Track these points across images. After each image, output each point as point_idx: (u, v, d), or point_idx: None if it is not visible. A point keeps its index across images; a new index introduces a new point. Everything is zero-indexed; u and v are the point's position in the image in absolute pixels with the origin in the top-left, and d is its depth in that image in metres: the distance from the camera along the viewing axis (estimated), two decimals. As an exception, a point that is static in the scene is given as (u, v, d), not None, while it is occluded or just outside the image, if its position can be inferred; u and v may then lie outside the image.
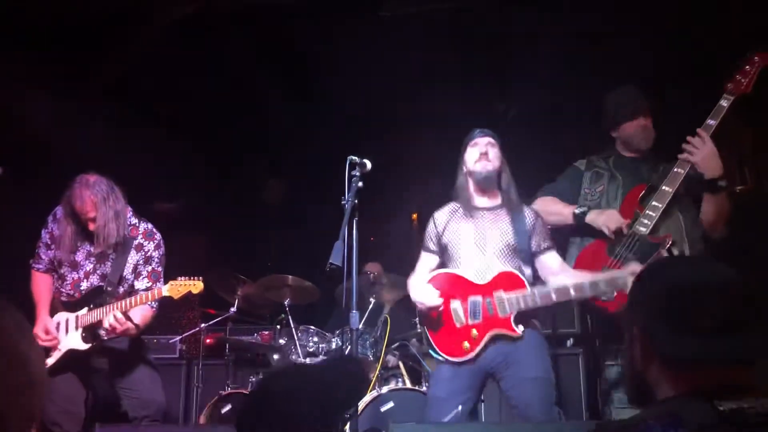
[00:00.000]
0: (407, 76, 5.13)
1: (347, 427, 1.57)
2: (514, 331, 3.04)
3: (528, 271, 3.21)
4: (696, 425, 1.19)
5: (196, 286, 3.52)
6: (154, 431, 2.95)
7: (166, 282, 3.62)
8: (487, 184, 3.27)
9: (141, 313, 3.54)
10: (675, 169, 3.24)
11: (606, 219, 3.31)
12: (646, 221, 3.23)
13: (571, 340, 4.79)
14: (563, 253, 3.43)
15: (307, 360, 4.45)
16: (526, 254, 3.20)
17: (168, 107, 5.46)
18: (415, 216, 6.19)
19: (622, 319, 1.46)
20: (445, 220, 3.33)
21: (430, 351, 3.21)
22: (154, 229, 3.73)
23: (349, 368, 1.78)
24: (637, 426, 1.23)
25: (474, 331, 3.08)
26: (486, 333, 3.06)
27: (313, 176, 4.97)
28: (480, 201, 3.31)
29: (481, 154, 3.27)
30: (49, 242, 3.68)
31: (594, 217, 3.37)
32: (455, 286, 3.17)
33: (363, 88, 5.20)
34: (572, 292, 3.02)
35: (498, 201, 3.31)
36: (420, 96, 5.20)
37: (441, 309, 3.13)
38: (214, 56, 5.02)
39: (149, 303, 3.54)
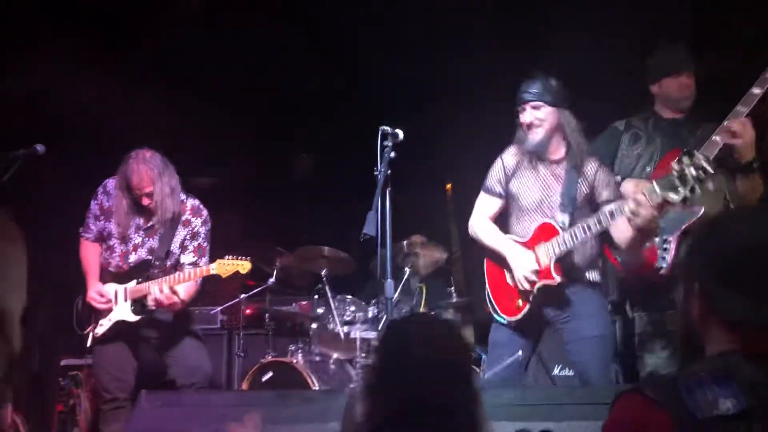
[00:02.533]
0: (440, 43, 5.09)
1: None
2: (552, 278, 3.03)
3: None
4: (748, 383, 1.19)
5: (244, 266, 3.61)
6: (195, 396, 3.06)
7: (210, 257, 3.74)
8: (540, 149, 3.18)
9: (186, 287, 3.64)
10: (714, 137, 3.07)
11: (636, 189, 3.14)
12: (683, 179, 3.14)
13: (609, 307, 4.77)
14: None
15: (345, 328, 4.52)
16: (585, 207, 3.14)
17: (201, 81, 5.52)
18: (449, 186, 6.17)
19: (683, 268, 1.47)
20: (513, 164, 3.26)
21: (492, 312, 3.27)
22: (201, 206, 3.81)
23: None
24: (688, 379, 1.24)
25: (525, 285, 3.10)
26: (535, 286, 3.08)
27: (346, 147, 4.99)
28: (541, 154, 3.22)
29: (526, 126, 3.17)
30: (99, 213, 3.78)
31: (631, 186, 3.28)
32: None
33: (394, 56, 5.17)
34: (594, 223, 2.95)
35: (562, 153, 3.20)
36: (453, 63, 5.14)
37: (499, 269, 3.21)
38: (245, 31, 5.04)
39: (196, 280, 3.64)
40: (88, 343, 3.71)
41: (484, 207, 3.35)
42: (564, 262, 3.07)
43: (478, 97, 5.09)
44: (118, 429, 3.50)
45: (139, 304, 3.66)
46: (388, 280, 3.02)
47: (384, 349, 1.60)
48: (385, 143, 3.14)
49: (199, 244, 3.76)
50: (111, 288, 3.72)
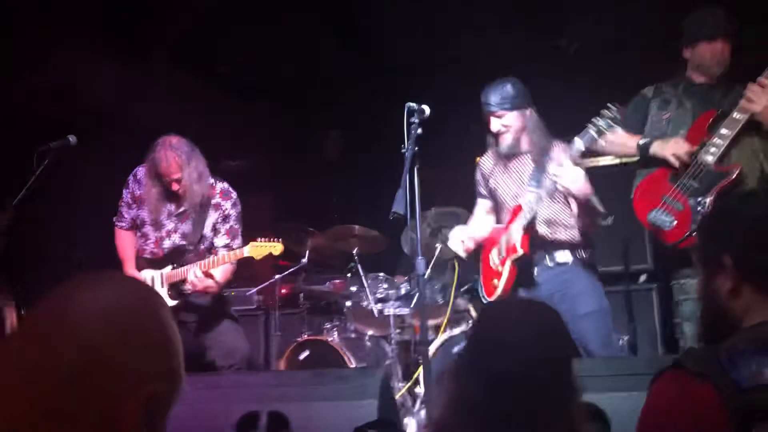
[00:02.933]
0: (463, 16, 5.02)
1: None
2: (515, 251, 3.24)
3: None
4: None
5: (276, 247, 3.64)
6: (234, 378, 3.12)
7: (243, 239, 3.78)
8: (512, 151, 3.39)
9: (222, 270, 3.70)
10: (734, 115, 3.08)
11: (671, 148, 3.18)
12: (713, 149, 3.08)
13: (645, 275, 4.72)
14: (625, 186, 3.43)
15: (378, 305, 4.55)
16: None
17: (226, 65, 5.55)
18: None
19: (701, 251, 1.45)
20: (490, 166, 3.55)
21: (480, 296, 3.52)
22: (230, 188, 3.84)
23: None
24: (729, 351, 1.23)
25: (499, 267, 3.35)
26: (504, 264, 3.30)
27: (374, 124, 4.98)
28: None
29: (495, 133, 3.38)
30: (131, 201, 3.84)
31: (658, 148, 3.24)
32: (494, 237, 3.46)
33: (417, 31, 5.12)
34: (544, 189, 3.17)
35: (528, 146, 3.40)
36: (478, 36, 5.08)
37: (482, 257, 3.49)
38: (268, 14, 5.03)
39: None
40: None
41: (477, 209, 3.70)
42: (533, 235, 3.29)
43: (504, 66, 5.02)
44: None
45: (175, 288, 3.73)
46: (419, 257, 3.02)
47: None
48: (412, 120, 3.12)
49: (231, 226, 3.80)
50: (147, 274, 3.79)
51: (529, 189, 3.30)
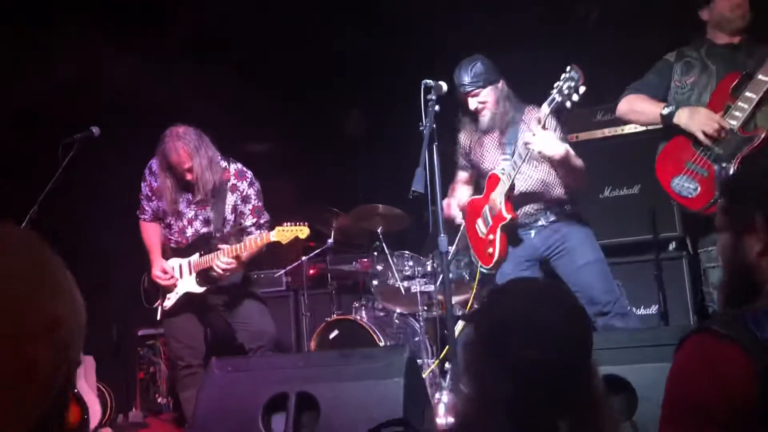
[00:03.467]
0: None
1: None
2: (503, 218, 3.34)
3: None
4: None
5: (303, 231, 3.67)
6: (262, 361, 3.17)
7: (269, 223, 3.82)
8: (494, 126, 3.47)
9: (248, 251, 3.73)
10: (758, 76, 2.97)
11: (700, 122, 3.05)
12: (737, 113, 2.99)
13: (674, 243, 4.65)
14: (651, 154, 3.38)
15: (404, 283, 4.57)
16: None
17: (244, 51, 5.55)
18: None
19: (729, 212, 1.41)
20: (467, 144, 3.65)
21: (478, 266, 3.60)
22: (244, 168, 3.86)
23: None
24: (754, 312, 1.22)
25: (490, 236, 3.44)
26: (495, 231, 3.39)
27: (393, 103, 4.96)
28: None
29: (474, 111, 3.47)
30: (150, 194, 3.89)
31: (685, 120, 3.12)
32: (475, 208, 3.58)
33: (436, 5, 5.07)
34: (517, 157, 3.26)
35: (501, 117, 3.46)
36: (497, 6, 5.00)
37: (464, 226, 3.65)
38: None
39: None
40: (158, 317, 3.87)
41: (458, 176, 3.79)
42: (516, 199, 3.37)
43: (523, 36, 4.96)
44: (195, 393, 3.67)
45: (204, 275, 3.78)
46: (441, 235, 3.02)
47: (496, 315, 1.38)
48: (429, 97, 3.11)
49: (253, 205, 3.83)
50: (175, 263, 3.85)
51: (503, 157, 3.42)
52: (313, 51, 5.59)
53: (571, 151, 3.27)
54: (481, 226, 3.53)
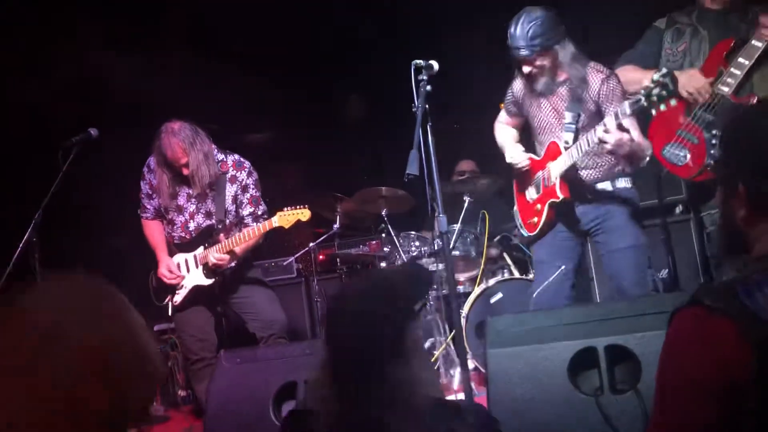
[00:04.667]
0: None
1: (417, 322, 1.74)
2: (556, 196, 3.17)
3: None
4: None
5: (304, 213, 3.70)
6: (270, 350, 3.20)
7: (271, 210, 3.83)
8: (549, 89, 3.20)
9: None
10: (752, 41, 2.93)
11: (685, 81, 3.06)
12: (730, 80, 2.96)
13: (680, 207, 4.62)
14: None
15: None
16: (594, 121, 3.11)
17: (242, 40, 5.53)
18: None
19: (718, 175, 1.42)
20: (521, 94, 3.38)
21: (519, 228, 3.49)
22: (242, 159, 3.88)
23: (412, 270, 1.89)
24: (745, 282, 1.20)
25: (537, 206, 3.29)
26: (543, 204, 3.24)
27: (391, 84, 4.94)
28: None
29: (527, 76, 3.18)
30: (150, 192, 3.92)
31: (682, 77, 3.11)
32: (530, 169, 3.36)
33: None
34: (587, 141, 3.01)
35: (564, 76, 3.20)
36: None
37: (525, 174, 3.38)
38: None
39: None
40: (170, 312, 3.92)
41: (504, 115, 3.56)
42: (572, 179, 3.17)
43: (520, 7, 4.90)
44: (208, 385, 3.73)
45: (209, 268, 3.81)
46: (441, 215, 3.01)
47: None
48: (420, 77, 3.07)
49: (251, 195, 3.86)
50: (180, 258, 3.89)
51: (566, 126, 3.14)
52: (312, 36, 5.57)
53: (643, 142, 3.02)
54: (531, 192, 3.36)
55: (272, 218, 3.71)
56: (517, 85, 3.37)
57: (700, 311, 1.21)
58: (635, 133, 3.01)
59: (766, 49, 2.93)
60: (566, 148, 3.15)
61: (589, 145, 3.03)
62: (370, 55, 5.60)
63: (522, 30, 3.04)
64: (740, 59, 2.95)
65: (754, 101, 2.91)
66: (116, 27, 4.75)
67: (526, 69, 3.15)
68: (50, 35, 4.61)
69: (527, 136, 3.50)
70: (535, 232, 3.32)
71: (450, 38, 5.15)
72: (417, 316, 1.69)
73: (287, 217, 3.69)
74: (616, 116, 2.89)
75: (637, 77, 3.24)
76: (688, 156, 3.04)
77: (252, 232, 3.71)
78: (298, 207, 3.71)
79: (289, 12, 5.34)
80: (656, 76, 3.12)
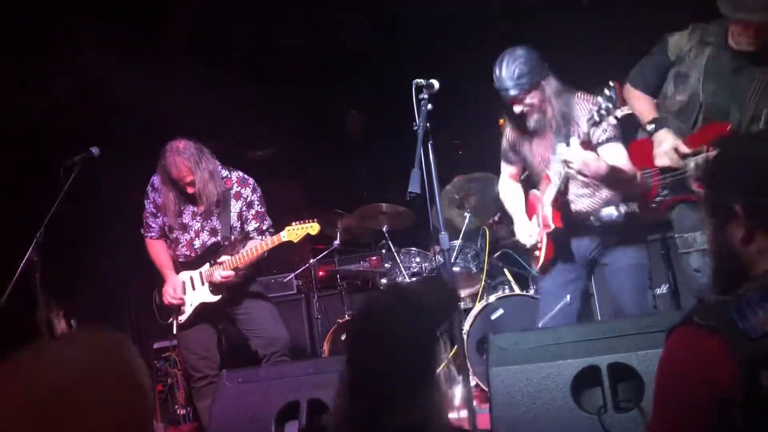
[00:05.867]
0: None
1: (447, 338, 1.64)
2: (548, 226, 3.17)
3: None
4: None
5: (313, 227, 3.70)
6: (272, 370, 3.19)
7: (277, 226, 3.84)
8: (542, 126, 3.18)
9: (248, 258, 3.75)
10: None
11: (658, 153, 3.01)
12: (701, 161, 2.87)
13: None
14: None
15: (413, 280, 4.58)
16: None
17: (244, 56, 5.56)
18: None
19: (710, 200, 1.43)
20: (514, 137, 3.38)
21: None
22: (245, 175, 3.90)
23: (439, 285, 1.89)
24: (737, 301, 1.24)
25: (539, 238, 3.28)
26: (542, 236, 3.24)
27: (392, 101, 4.97)
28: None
29: (519, 116, 3.16)
30: (154, 210, 3.92)
31: (656, 145, 3.04)
32: (533, 203, 3.38)
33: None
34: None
35: (552, 112, 3.16)
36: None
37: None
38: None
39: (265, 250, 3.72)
40: (174, 331, 3.91)
41: (504, 171, 3.56)
42: (566, 209, 3.17)
43: (520, 25, 4.95)
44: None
45: (215, 284, 3.80)
46: (442, 232, 3.02)
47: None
48: (421, 96, 3.08)
49: (256, 211, 3.86)
50: (186, 276, 3.88)
51: (555, 159, 3.11)
52: (313, 52, 5.60)
53: (619, 165, 3.01)
54: (535, 224, 3.35)
55: (281, 233, 3.71)
56: (508, 132, 3.40)
57: (693, 329, 1.25)
58: (619, 160, 3.01)
59: None
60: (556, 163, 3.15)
61: (559, 176, 3.04)
62: (371, 72, 5.63)
63: (508, 71, 3.05)
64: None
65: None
66: (118, 45, 4.77)
67: (517, 109, 3.14)
68: (50, 51, 4.62)
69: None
70: (538, 266, 3.32)
71: (449, 56, 5.19)
72: (441, 337, 1.61)
73: (296, 231, 3.69)
74: (578, 135, 2.93)
75: (640, 109, 3.19)
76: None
77: (260, 247, 3.71)
78: (307, 221, 3.71)
79: (291, 29, 5.38)
80: (649, 128, 3.11)
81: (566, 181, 3.13)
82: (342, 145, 6.29)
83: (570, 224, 3.19)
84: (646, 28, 3.64)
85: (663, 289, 4.43)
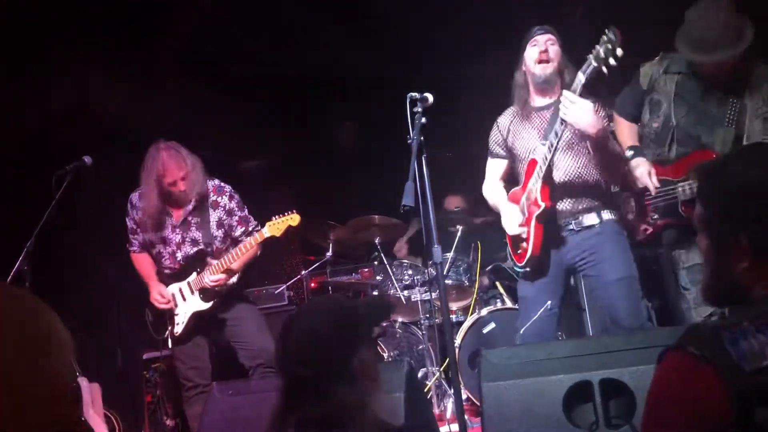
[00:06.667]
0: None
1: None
2: (538, 205, 3.10)
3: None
4: None
5: (293, 219, 3.70)
6: (263, 383, 3.17)
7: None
8: (547, 85, 3.23)
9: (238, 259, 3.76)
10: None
11: (643, 176, 3.18)
12: (689, 190, 3.06)
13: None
14: None
15: (405, 292, 4.58)
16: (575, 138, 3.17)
17: (236, 68, 5.57)
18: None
19: (712, 227, 1.39)
20: (507, 123, 3.39)
21: (513, 264, 3.40)
22: (222, 183, 3.90)
23: (371, 297, 2.00)
24: (731, 329, 1.20)
25: (524, 229, 3.20)
26: (530, 222, 3.16)
27: (385, 113, 4.99)
28: (539, 101, 3.30)
29: (540, 53, 3.19)
30: (135, 227, 3.94)
31: (633, 171, 3.22)
32: (513, 201, 3.35)
33: (423, 12, 5.08)
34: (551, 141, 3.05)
35: (554, 98, 3.21)
36: (485, 8, 5.01)
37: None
38: (270, 13, 5.03)
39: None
40: (170, 344, 3.89)
41: (491, 170, 3.50)
42: (552, 193, 3.14)
43: (512, 37, 4.97)
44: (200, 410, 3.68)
45: (206, 292, 3.81)
46: (435, 246, 3.02)
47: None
48: (415, 110, 3.09)
49: (239, 216, 3.88)
50: (174, 288, 3.87)
51: (541, 143, 3.15)
52: (306, 64, 5.61)
53: (617, 150, 3.13)
54: (518, 218, 3.29)
55: (262, 229, 3.72)
56: (503, 120, 3.42)
57: (686, 357, 1.21)
58: (609, 143, 3.09)
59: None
60: (543, 145, 3.13)
61: (556, 135, 3.03)
62: (364, 83, 5.64)
63: (543, 27, 3.24)
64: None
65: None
66: (111, 61, 4.78)
67: (542, 45, 3.19)
68: (46, 63, 4.62)
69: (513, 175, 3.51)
70: (525, 260, 3.22)
71: (440, 69, 5.21)
72: (372, 341, 1.75)
73: (278, 226, 3.69)
74: (574, 90, 2.94)
75: (622, 136, 3.37)
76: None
77: (245, 247, 3.71)
78: (286, 213, 3.72)
79: (284, 40, 5.39)
80: (627, 154, 3.25)
81: (554, 152, 3.11)
82: (335, 155, 6.29)
83: (550, 231, 3.17)
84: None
85: (655, 305, 4.44)
